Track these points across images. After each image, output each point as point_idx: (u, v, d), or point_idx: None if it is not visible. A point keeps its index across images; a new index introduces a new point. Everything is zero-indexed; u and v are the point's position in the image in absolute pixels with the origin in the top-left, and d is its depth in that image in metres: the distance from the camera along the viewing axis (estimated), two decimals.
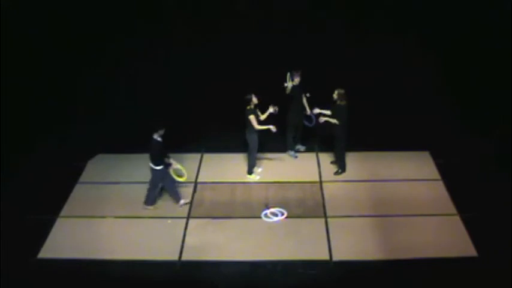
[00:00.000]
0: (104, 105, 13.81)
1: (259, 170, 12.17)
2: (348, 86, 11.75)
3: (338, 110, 11.59)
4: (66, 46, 13.71)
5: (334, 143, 11.95)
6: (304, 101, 12.39)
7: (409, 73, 13.81)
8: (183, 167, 11.37)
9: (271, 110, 11.52)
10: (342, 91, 11.56)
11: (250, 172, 11.99)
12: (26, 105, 12.87)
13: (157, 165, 10.86)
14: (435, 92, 13.67)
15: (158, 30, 14.31)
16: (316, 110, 11.81)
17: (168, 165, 11.10)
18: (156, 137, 10.73)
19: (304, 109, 12.41)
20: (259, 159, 12.24)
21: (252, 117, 11.43)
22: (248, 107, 11.49)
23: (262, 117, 11.64)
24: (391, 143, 12.80)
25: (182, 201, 11.26)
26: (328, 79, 12.44)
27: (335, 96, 11.60)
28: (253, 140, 11.64)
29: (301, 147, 12.90)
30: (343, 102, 11.57)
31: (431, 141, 12.73)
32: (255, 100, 11.54)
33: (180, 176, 11.36)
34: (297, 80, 12.17)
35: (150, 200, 11.19)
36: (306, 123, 12.42)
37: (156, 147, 10.76)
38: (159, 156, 10.85)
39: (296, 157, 12.69)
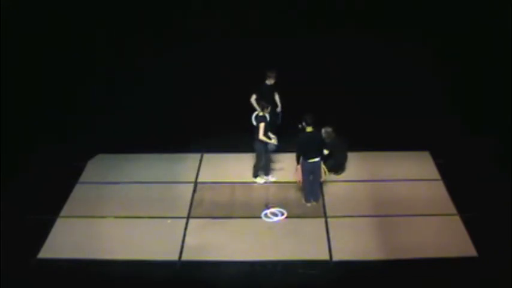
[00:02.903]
0: (104, 105, 13.80)
1: (271, 179, 11.93)
2: (348, 86, 11.75)
3: (335, 147, 11.55)
4: (66, 46, 13.71)
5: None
6: (277, 98, 12.38)
7: (409, 73, 13.80)
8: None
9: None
10: (330, 129, 11.50)
11: (255, 175, 11.89)
12: (26, 105, 12.86)
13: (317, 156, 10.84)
14: (435, 92, 13.66)
15: (158, 30, 14.31)
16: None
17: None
18: (323, 132, 11.02)
19: (277, 106, 12.41)
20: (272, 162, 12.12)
21: (262, 126, 11.21)
22: (261, 114, 11.33)
23: None
24: (391, 143, 12.78)
25: (309, 204, 11.13)
26: (328, 79, 12.44)
27: (324, 135, 11.40)
28: (258, 145, 11.49)
29: None
30: (333, 139, 11.50)
31: (431, 141, 12.72)
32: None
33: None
34: (271, 81, 12.18)
35: (308, 195, 11.13)
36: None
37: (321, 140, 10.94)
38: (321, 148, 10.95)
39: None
